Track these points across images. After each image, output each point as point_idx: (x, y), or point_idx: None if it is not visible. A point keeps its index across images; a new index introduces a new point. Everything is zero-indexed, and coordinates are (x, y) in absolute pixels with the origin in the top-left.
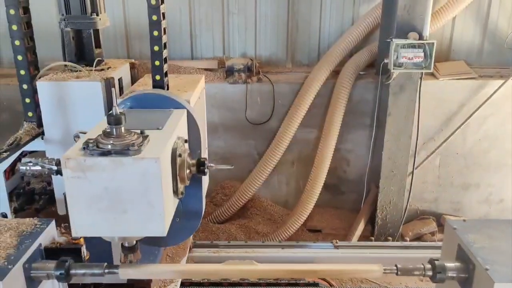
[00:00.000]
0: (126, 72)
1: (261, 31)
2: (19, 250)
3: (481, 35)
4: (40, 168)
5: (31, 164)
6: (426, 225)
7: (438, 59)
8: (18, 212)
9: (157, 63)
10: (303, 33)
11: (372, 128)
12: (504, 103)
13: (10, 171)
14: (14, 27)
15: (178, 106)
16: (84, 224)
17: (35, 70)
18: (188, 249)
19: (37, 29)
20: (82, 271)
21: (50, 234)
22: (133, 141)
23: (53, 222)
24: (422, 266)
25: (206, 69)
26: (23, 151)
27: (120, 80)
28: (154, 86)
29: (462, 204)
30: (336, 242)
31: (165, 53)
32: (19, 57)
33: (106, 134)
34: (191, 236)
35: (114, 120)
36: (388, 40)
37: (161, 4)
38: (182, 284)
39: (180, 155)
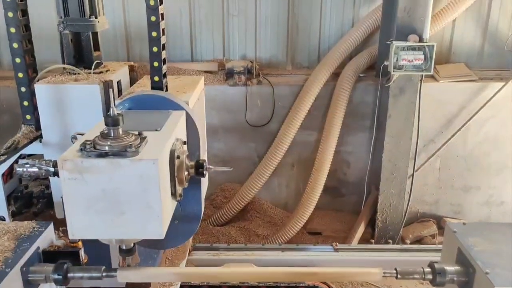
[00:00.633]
0: (125, 75)
1: (261, 33)
2: (16, 253)
3: (482, 37)
4: (37, 169)
5: (28, 165)
6: (426, 227)
7: (438, 62)
8: (16, 215)
9: (155, 64)
10: (303, 35)
11: (372, 130)
12: (505, 105)
13: (8, 175)
14: (12, 30)
15: (177, 107)
16: (81, 226)
17: (33, 72)
18: (188, 252)
19: (39, 32)
20: (80, 275)
21: (48, 237)
22: (131, 143)
23: (51, 225)
24: (422, 269)
25: (206, 71)
26: (21, 154)
27: (119, 82)
28: (153, 87)
29: (463, 206)
30: (336, 245)
31: (164, 54)
32: (17, 60)
33: (103, 136)
34: (191, 239)
35: (111, 121)
36: (388, 42)
37: (160, 5)
38: (181, 287)
39: (178, 157)
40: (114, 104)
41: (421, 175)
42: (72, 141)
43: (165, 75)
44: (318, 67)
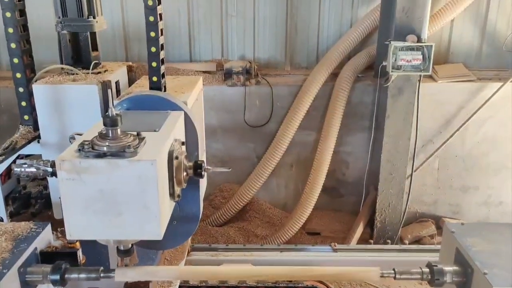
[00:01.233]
0: (124, 75)
1: (260, 33)
2: (14, 254)
3: (480, 37)
4: (35, 169)
5: (26, 165)
6: (425, 228)
7: (436, 62)
8: (14, 216)
9: (154, 64)
10: (302, 36)
11: (371, 130)
12: (503, 105)
13: (6, 175)
14: (10, 30)
15: (175, 107)
16: (79, 226)
17: (31, 73)
18: (186, 253)
19: (38, 32)
20: (78, 275)
21: (45, 238)
22: (129, 143)
23: (49, 226)
24: (420, 270)
25: (204, 72)
26: (19, 155)
27: (117, 83)
28: (151, 88)
29: (461, 206)
30: (335, 245)
31: (162, 54)
32: (15, 60)
33: (102, 136)
34: (189, 239)
35: (110, 122)
36: (387, 42)
37: (158, 5)
38: (180, 287)
39: (176, 158)
40: (113, 105)
41: (420, 175)
42: (70, 142)
43: (163, 76)
44: (316, 68)
